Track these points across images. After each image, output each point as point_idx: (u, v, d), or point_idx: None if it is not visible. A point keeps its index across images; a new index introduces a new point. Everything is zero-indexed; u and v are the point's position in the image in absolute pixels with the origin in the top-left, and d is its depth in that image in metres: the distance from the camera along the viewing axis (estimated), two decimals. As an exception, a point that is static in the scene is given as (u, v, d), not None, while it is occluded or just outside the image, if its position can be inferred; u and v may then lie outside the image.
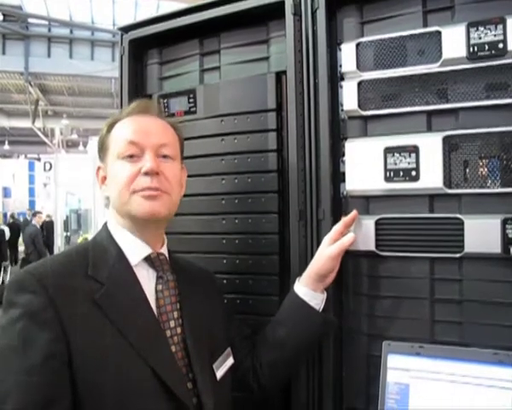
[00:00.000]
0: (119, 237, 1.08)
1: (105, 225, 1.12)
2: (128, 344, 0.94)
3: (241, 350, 1.24)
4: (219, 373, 1.11)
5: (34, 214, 11.36)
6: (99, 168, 1.14)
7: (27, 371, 0.85)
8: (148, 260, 1.08)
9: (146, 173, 1.03)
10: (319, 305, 1.21)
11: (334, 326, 1.26)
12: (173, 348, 1.04)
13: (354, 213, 1.22)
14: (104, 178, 1.12)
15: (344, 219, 1.22)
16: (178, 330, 1.07)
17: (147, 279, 1.06)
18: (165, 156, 1.08)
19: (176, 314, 1.08)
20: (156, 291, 1.06)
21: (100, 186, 1.14)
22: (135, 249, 1.07)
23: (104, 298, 0.96)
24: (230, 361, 1.16)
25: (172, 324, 1.06)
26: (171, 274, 1.11)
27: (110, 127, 1.11)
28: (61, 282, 0.94)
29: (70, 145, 21.34)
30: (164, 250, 1.13)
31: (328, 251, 1.19)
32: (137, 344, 0.95)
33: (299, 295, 1.21)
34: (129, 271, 1.04)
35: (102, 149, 1.12)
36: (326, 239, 1.21)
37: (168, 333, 1.04)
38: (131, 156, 1.05)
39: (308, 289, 1.21)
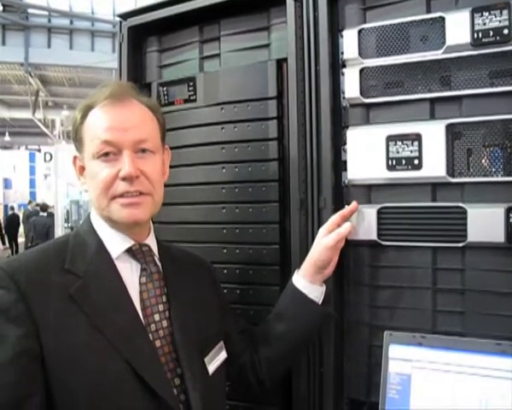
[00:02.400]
0: (100, 229, 1.04)
1: (88, 216, 1.08)
2: (104, 340, 0.91)
3: (239, 344, 1.22)
4: (211, 368, 1.08)
5: (43, 208, 11.28)
6: (76, 158, 1.08)
7: None
8: (130, 252, 1.04)
9: (124, 179, 0.98)
10: (318, 298, 1.20)
11: (334, 320, 1.25)
12: (158, 343, 1.00)
13: (354, 205, 1.21)
14: (82, 169, 1.06)
15: (342, 211, 1.21)
16: (164, 323, 1.03)
17: (129, 272, 1.03)
18: (144, 151, 1.02)
19: (161, 307, 1.04)
20: (140, 284, 1.03)
21: (78, 177, 1.08)
22: (116, 242, 1.03)
23: (80, 292, 0.93)
24: (223, 355, 1.13)
25: (157, 317, 1.03)
26: (154, 266, 1.07)
27: (84, 115, 1.03)
28: (34, 277, 0.92)
29: (70, 136, 21.35)
30: (149, 241, 1.09)
31: (323, 241, 1.18)
32: (114, 340, 0.92)
33: (298, 287, 1.20)
34: (109, 263, 1.01)
35: (77, 139, 1.05)
36: (322, 230, 1.20)
37: (153, 327, 1.01)
38: (107, 154, 0.99)
39: (307, 282, 1.19)
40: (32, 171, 21.75)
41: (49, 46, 13.02)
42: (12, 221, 13.50)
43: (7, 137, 21.17)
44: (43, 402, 0.85)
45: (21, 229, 13.57)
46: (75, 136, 1.05)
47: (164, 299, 1.06)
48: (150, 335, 1.00)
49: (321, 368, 1.27)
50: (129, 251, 1.04)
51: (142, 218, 1.02)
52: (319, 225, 1.25)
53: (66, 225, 11.88)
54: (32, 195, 20.66)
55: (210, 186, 1.44)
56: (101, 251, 1.01)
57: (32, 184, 21.78)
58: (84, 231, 1.05)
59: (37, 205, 12.73)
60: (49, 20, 13.06)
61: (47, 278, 0.93)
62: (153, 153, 1.05)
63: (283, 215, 1.35)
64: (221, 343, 1.14)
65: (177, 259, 1.16)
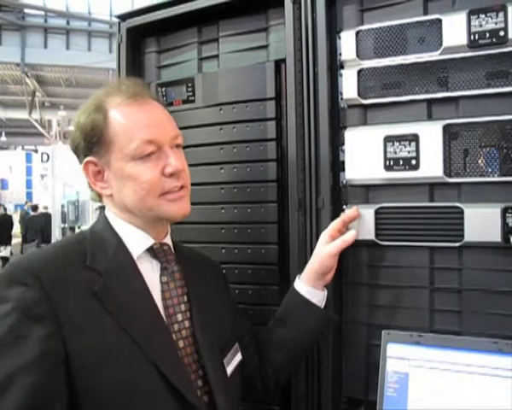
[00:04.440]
0: (119, 228, 1.01)
1: (103, 214, 1.05)
2: (130, 341, 0.89)
3: (248, 347, 1.20)
4: (229, 369, 1.06)
5: (34, 208, 11.39)
6: (89, 163, 1.00)
7: (19, 371, 0.79)
8: (151, 251, 1.03)
9: (172, 175, 0.98)
10: (321, 302, 1.19)
11: (336, 323, 1.25)
12: (181, 344, 0.98)
13: (355, 213, 1.21)
14: (98, 174, 1.01)
15: (343, 217, 1.21)
16: (186, 323, 1.02)
17: (150, 271, 1.01)
18: (177, 146, 1.03)
19: (183, 307, 1.03)
20: (161, 283, 1.01)
21: (93, 184, 1.02)
22: (137, 240, 1.01)
23: (104, 290, 0.90)
24: (239, 357, 1.12)
25: (180, 317, 1.01)
26: (175, 265, 1.06)
27: (105, 115, 0.98)
28: (55, 273, 0.88)
29: (67, 137, 21.24)
30: (167, 240, 1.08)
31: (328, 248, 1.17)
32: (140, 341, 0.89)
33: (300, 293, 1.19)
34: (130, 262, 0.98)
35: (101, 142, 0.98)
36: (324, 236, 1.19)
37: (176, 327, 0.99)
38: (149, 155, 0.97)
39: (309, 287, 1.19)
40: (29, 171, 21.66)
41: (45, 46, 12.98)
42: (5, 222, 12.25)
43: (3, 138, 21.08)
44: (67, 407, 0.82)
45: (18, 230, 13.42)
46: (98, 139, 0.98)
47: (185, 299, 1.05)
48: (174, 335, 0.98)
49: (319, 367, 1.28)
50: (149, 250, 1.02)
51: (188, 210, 1.04)
52: (317, 225, 1.26)
53: (62, 225, 11.86)
54: (29, 195, 20.59)
55: (209, 186, 1.44)
56: (121, 249, 0.99)
57: (29, 184, 21.70)
58: (101, 230, 1.02)
59: (31, 206, 12.86)
60: (46, 20, 13.01)
61: (69, 275, 0.90)
62: (182, 148, 1.07)
63: (282, 215, 1.36)
64: (237, 345, 1.13)
65: (191, 259, 1.15)
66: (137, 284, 0.97)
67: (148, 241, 1.03)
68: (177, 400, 0.91)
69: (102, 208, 1.09)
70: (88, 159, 1.00)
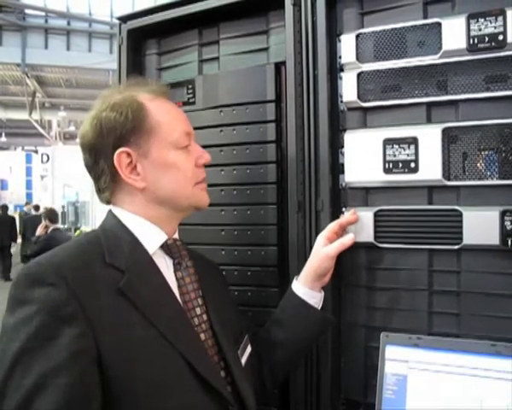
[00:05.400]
0: (131, 225, 1.01)
1: (111, 212, 1.04)
2: (159, 335, 0.89)
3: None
4: (243, 360, 1.09)
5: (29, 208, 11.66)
6: (122, 153, 0.98)
7: (52, 373, 0.77)
8: (165, 247, 1.03)
9: (203, 165, 1.08)
10: (318, 304, 1.20)
11: (333, 325, 1.26)
12: (202, 336, 1.00)
13: (353, 216, 1.21)
14: (130, 164, 0.99)
15: (340, 221, 1.21)
16: (205, 317, 1.04)
17: (165, 267, 1.02)
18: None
19: (200, 301, 1.05)
20: (177, 279, 1.03)
21: (125, 175, 1.00)
22: (151, 236, 1.02)
23: (128, 286, 0.90)
24: (249, 348, 1.14)
25: (198, 311, 1.03)
26: (189, 260, 1.08)
27: (140, 107, 1.00)
28: (80, 272, 0.87)
29: (67, 138, 21.30)
30: (176, 236, 1.10)
31: (326, 250, 1.17)
32: (168, 334, 0.90)
33: (298, 294, 1.20)
34: (147, 258, 0.99)
35: (139, 131, 0.99)
36: (321, 238, 1.19)
37: (196, 321, 1.01)
38: (186, 146, 1.06)
39: (307, 289, 1.19)
40: (29, 172, 21.66)
41: (46, 47, 13.01)
42: (4, 223, 11.34)
43: (3, 138, 21.10)
44: (101, 405, 0.81)
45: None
46: (137, 128, 0.99)
47: (200, 293, 1.07)
48: (195, 328, 1.00)
49: (318, 368, 1.28)
50: (162, 246, 1.03)
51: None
52: (317, 227, 1.26)
53: (62, 226, 11.90)
54: (29, 196, 20.57)
55: (208, 188, 1.44)
56: (137, 246, 0.99)
57: (29, 185, 21.70)
58: (113, 227, 1.01)
59: (33, 206, 13.38)
60: (47, 21, 13.05)
61: (92, 273, 0.89)
62: None
63: (281, 217, 1.36)
64: (247, 337, 1.15)
65: (197, 258, 1.16)
66: (158, 279, 0.98)
67: (163, 237, 1.04)
68: (206, 390, 0.92)
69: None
70: (122, 149, 0.99)
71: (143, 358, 0.87)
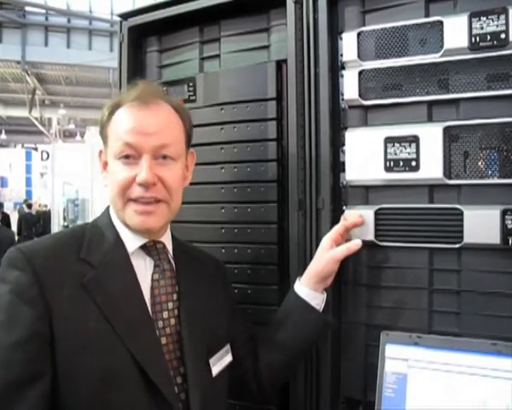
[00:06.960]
0: (117, 223, 1.06)
1: (107, 209, 1.09)
2: (112, 331, 0.92)
3: (243, 349, 1.21)
4: (216, 369, 1.08)
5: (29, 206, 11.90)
6: (101, 152, 1.09)
7: (11, 347, 0.86)
8: (145, 248, 1.05)
9: (141, 184, 0.98)
10: (319, 305, 1.19)
11: (333, 327, 1.25)
12: (164, 340, 1.01)
13: (360, 219, 1.21)
14: (105, 164, 1.06)
15: (345, 223, 1.21)
16: (172, 321, 1.04)
17: (143, 268, 1.04)
18: (165, 157, 1.01)
19: (171, 305, 1.05)
20: (152, 280, 1.04)
21: (101, 171, 1.10)
22: (131, 238, 1.04)
23: (92, 282, 0.95)
24: (229, 358, 1.13)
25: (166, 315, 1.03)
26: (167, 263, 1.08)
27: (111, 112, 1.04)
28: (49, 262, 0.94)
29: (67, 135, 21.28)
30: (164, 238, 1.10)
31: (331, 254, 1.17)
32: (122, 332, 0.93)
33: (300, 295, 1.19)
34: (124, 257, 1.02)
35: (103, 135, 1.06)
36: (327, 241, 1.19)
37: (160, 324, 1.02)
38: (128, 157, 0.99)
39: (309, 290, 1.19)
40: (29, 169, 21.61)
41: (46, 44, 12.97)
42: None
43: (3, 136, 21.06)
44: (51, 383, 0.87)
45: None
46: (101, 132, 1.07)
47: (175, 297, 1.06)
48: (157, 331, 1.01)
49: (318, 367, 1.28)
50: (143, 247, 1.05)
51: (155, 226, 1.02)
52: (317, 226, 1.26)
53: (62, 223, 11.89)
54: (29, 193, 20.54)
55: (209, 186, 1.45)
56: (117, 244, 1.03)
57: (28, 182, 21.65)
58: (103, 224, 1.06)
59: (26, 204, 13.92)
60: (47, 18, 13.00)
61: (62, 265, 0.95)
62: (173, 160, 1.04)
63: (282, 215, 1.36)
64: (228, 346, 1.14)
65: (193, 258, 1.17)
66: (128, 278, 1.01)
67: (142, 240, 1.05)
68: (153, 392, 0.93)
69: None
70: (100, 149, 1.09)
71: (91, 350, 0.90)
